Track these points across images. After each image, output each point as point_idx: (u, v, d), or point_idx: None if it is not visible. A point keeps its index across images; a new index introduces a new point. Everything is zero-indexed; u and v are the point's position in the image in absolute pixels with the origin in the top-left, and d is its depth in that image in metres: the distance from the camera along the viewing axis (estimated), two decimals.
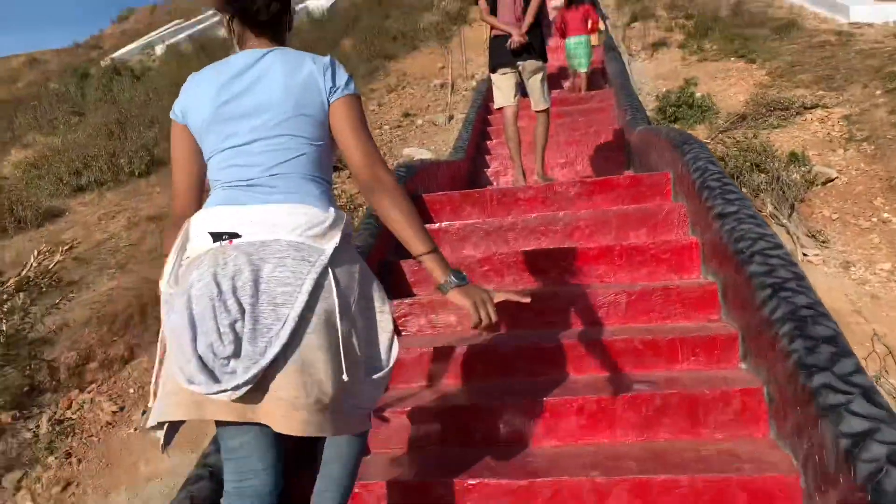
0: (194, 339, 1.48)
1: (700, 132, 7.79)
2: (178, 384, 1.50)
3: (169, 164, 1.85)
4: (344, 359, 1.54)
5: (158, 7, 25.99)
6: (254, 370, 1.45)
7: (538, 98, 5.26)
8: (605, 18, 14.21)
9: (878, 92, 7.91)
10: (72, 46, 22.75)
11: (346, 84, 1.71)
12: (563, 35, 9.55)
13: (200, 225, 1.62)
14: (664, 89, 10.02)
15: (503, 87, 5.24)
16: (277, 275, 1.51)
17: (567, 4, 9.60)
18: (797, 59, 9.73)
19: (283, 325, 1.48)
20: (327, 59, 1.74)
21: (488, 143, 8.14)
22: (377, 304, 1.74)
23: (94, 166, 10.22)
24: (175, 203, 1.79)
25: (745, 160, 6.03)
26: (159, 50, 19.08)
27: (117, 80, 16.72)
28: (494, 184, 7.18)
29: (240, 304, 1.48)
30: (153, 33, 21.20)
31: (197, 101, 1.73)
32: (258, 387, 1.48)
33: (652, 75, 10.70)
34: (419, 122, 10.14)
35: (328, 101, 1.69)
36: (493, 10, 5.09)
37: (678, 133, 4.73)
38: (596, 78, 10.30)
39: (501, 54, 5.11)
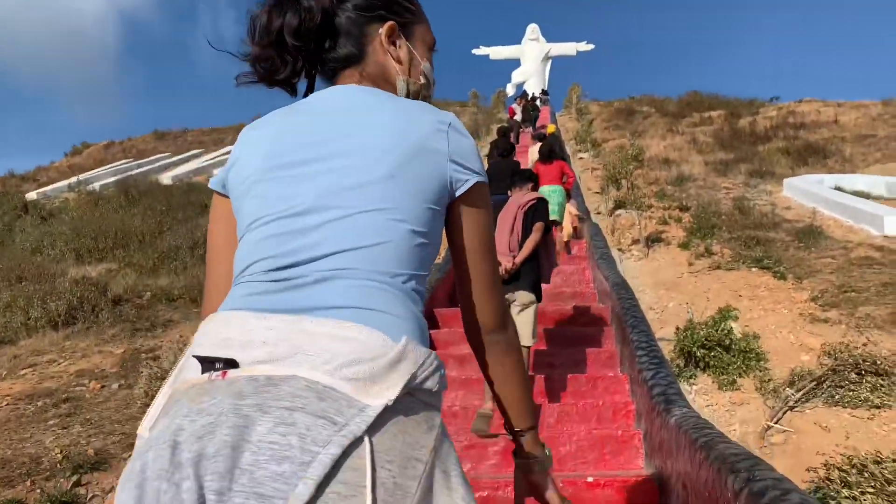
0: None
1: (748, 393, 4.86)
2: None
3: None
4: None
5: (115, 144, 23.77)
6: None
7: (524, 333, 4.32)
8: (579, 201, 11.89)
9: None
10: (5, 175, 20.04)
11: (479, 164, 1.08)
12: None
13: (197, 342, 0.93)
14: (671, 304, 7.29)
15: None
16: (275, 440, 0.79)
17: (543, 159, 9.08)
18: (845, 281, 7.09)
19: None
20: (451, 116, 1.09)
21: None
22: None
23: None
24: (205, 310, 1.10)
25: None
26: (94, 188, 16.41)
27: (22, 220, 13.87)
28: None
29: (199, 489, 0.78)
30: (93, 171, 18.67)
31: (248, 152, 1.08)
32: None
33: (650, 282, 7.99)
34: None
35: (451, 184, 1.04)
36: None
37: None
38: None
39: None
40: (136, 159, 20.67)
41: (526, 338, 4.36)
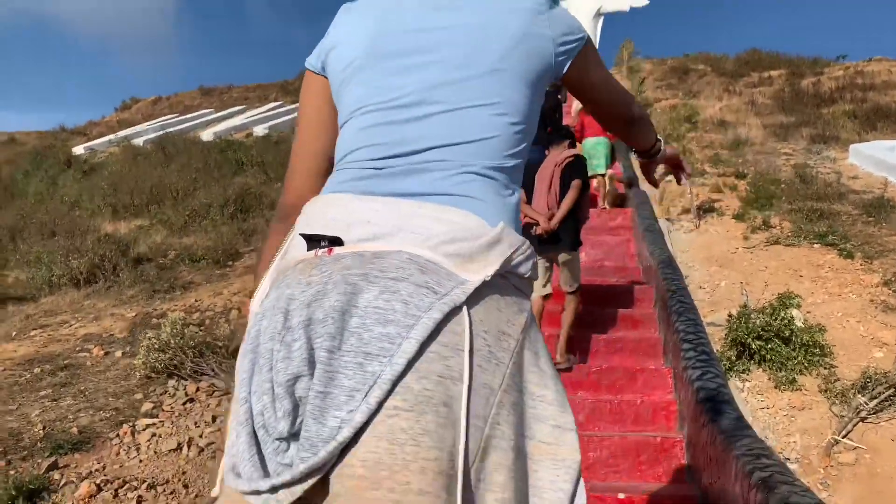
0: (249, 400, 0.87)
1: (811, 395, 4.16)
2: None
3: None
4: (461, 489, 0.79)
5: (162, 99, 23.58)
6: (309, 463, 0.79)
7: (566, 279, 4.57)
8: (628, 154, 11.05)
9: None
10: (56, 129, 20.06)
11: (580, 27, 1.11)
12: (581, 139, 8.37)
13: (302, 223, 0.99)
14: (723, 283, 6.54)
15: None
16: (380, 305, 0.84)
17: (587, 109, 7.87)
18: None
19: (369, 391, 0.80)
20: None
21: None
22: (550, 408, 0.92)
23: None
24: (287, 189, 1.14)
25: None
26: (139, 143, 16.18)
27: (65, 175, 13.72)
28: None
29: (310, 349, 0.83)
30: (138, 126, 18.49)
31: (350, 35, 1.07)
32: (321, 490, 0.80)
33: (701, 257, 7.22)
34: None
35: (556, 64, 1.07)
36: (530, 200, 4.55)
37: None
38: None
39: (529, 242, 3.12)
40: (182, 115, 20.42)
41: (568, 283, 4.55)
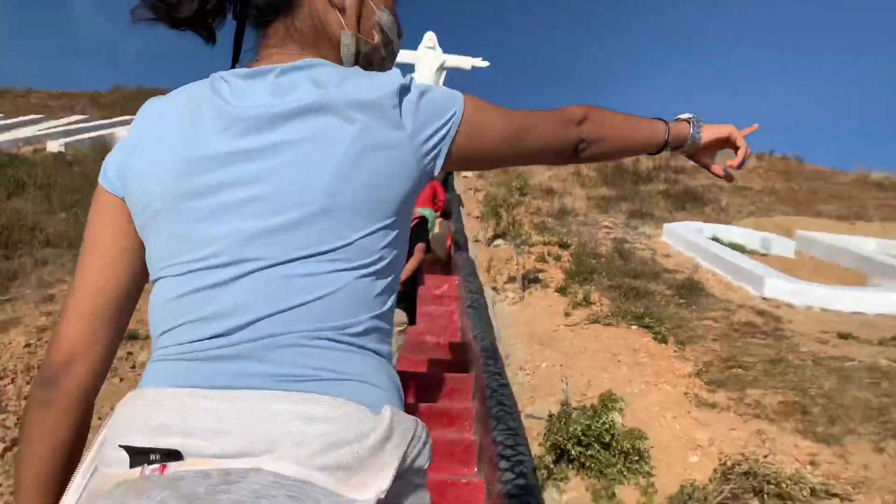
0: None
1: None
2: None
3: None
4: None
5: (34, 93, 20.34)
6: None
7: None
8: (458, 214, 10.95)
9: None
10: None
11: (452, 97, 0.88)
12: None
13: (118, 428, 0.74)
14: (544, 364, 6.32)
15: None
16: None
17: None
18: (730, 353, 6.42)
19: None
20: (395, 78, 0.86)
21: None
22: None
23: None
24: (59, 338, 0.82)
25: None
26: None
27: None
28: None
29: None
30: None
31: (151, 158, 0.84)
32: None
33: (525, 333, 7.01)
34: None
35: (428, 161, 0.84)
36: None
37: None
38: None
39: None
40: (48, 118, 17.56)
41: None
